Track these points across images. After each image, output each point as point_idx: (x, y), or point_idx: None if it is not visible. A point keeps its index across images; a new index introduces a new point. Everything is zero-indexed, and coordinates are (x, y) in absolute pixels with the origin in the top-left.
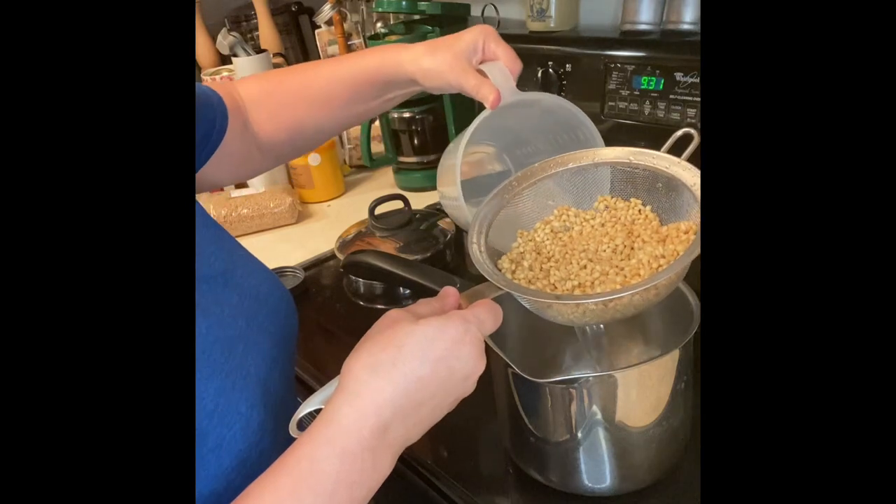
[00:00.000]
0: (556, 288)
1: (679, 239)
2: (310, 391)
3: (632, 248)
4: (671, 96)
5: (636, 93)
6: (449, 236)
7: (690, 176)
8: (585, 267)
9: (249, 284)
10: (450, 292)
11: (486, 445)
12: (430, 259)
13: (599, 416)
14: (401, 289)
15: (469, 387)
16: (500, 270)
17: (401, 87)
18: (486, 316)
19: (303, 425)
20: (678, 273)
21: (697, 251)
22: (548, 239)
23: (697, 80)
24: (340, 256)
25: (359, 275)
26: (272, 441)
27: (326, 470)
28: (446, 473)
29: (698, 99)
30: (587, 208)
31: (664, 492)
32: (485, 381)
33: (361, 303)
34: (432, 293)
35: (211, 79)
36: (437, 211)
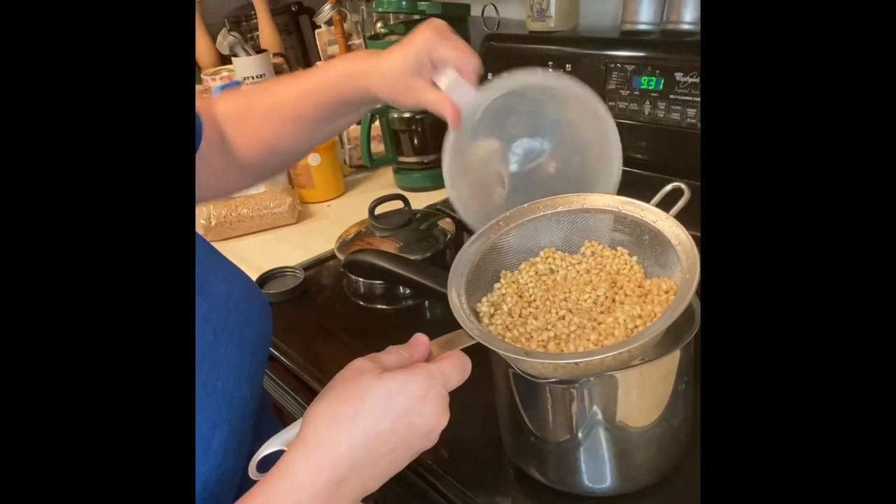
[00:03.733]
0: (531, 337)
1: (659, 298)
2: (310, 392)
3: (613, 301)
4: (671, 96)
5: (636, 93)
6: (449, 236)
7: (675, 233)
8: (564, 318)
9: (220, 291)
10: (420, 340)
11: (486, 445)
12: (430, 259)
13: (600, 416)
14: (401, 288)
15: (431, 441)
16: (478, 313)
17: (371, 104)
18: (453, 371)
19: (264, 465)
20: (653, 338)
21: (671, 320)
22: (531, 282)
23: (697, 80)
24: (340, 256)
25: (359, 274)
26: (235, 460)
27: None
28: (446, 473)
29: (698, 99)
30: (574, 252)
31: (664, 492)
32: (485, 381)
33: (361, 303)
34: (432, 292)
35: (210, 79)
36: (437, 211)
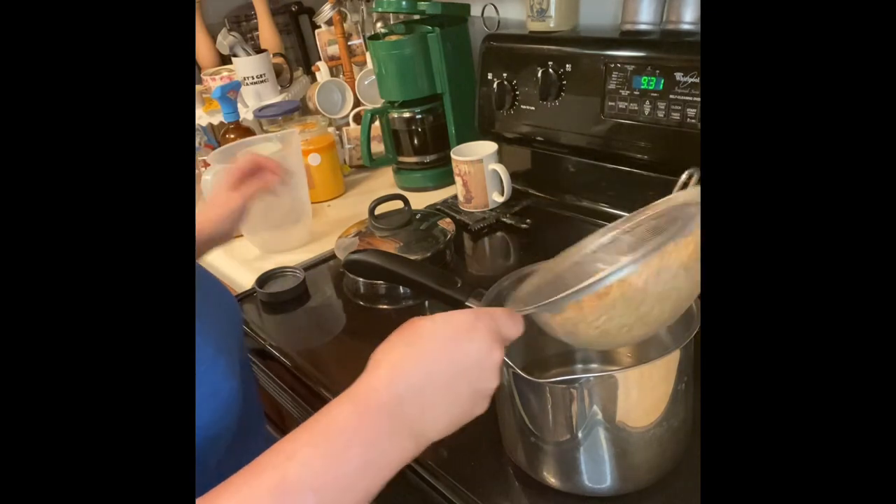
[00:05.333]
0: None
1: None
2: (310, 392)
3: None
4: (671, 96)
5: (636, 93)
6: (449, 236)
7: (692, 196)
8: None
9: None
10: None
11: (486, 445)
12: (430, 259)
13: (600, 416)
14: (401, 288)
15: (485, 376)
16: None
17: None
18: (500, 313)
19: None
20: (682, 261)
21: (694, 221)
22: None
23: (697, 80)
24: (340, 256)
25: (359, 274)
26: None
27: (342, 423)
28: (446, 473)
29: (698, 99)
30: None
31: (664, 492)
32: None
33: (361, 303)
34: (433, 292)
35: (210, 79)
36: (437, 211)
